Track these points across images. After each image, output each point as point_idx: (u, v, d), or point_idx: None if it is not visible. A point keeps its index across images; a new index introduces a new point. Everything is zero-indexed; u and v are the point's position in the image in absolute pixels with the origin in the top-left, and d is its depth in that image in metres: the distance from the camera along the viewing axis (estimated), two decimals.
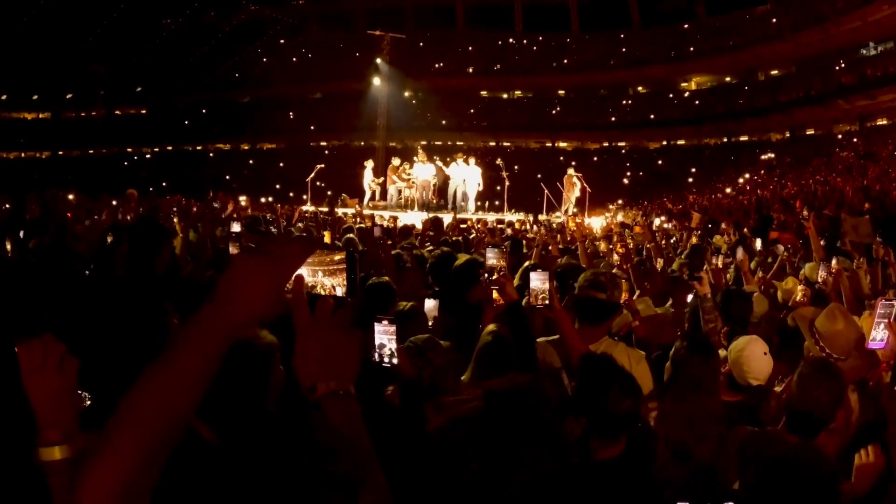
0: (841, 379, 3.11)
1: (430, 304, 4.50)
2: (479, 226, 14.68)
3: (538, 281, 3.50)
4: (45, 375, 1.63)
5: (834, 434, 3.09)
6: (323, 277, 1.39)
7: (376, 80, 40.45)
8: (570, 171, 24.38)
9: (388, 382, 3.14)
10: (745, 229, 15.15)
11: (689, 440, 3.14)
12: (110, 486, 1.15)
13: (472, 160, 23.16)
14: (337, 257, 1.39)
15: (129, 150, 58.94)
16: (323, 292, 1.39)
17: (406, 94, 51.19)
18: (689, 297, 5.29)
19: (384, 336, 3.01)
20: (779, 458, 2.41)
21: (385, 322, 3.02)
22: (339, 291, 1.39)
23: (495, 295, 4.10)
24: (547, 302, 3.49)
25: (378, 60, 40.18)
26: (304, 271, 1.34)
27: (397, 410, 2.87)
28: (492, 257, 3.89)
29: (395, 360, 2.99)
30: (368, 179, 25.13)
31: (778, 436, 3.03)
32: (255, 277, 1.25)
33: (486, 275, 3.94)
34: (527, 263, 6.11)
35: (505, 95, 57.87)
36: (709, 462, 3.11)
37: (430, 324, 4.29)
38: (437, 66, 55.68)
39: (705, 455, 3.12)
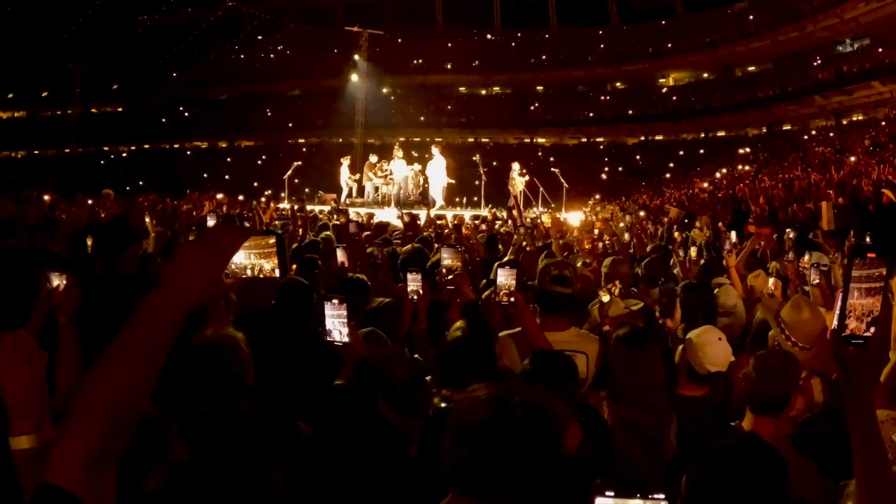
0: (795, 366, 3.14)
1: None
2: (454, 222, 14.64)
3: (504, 277, 3.51)
4: (15, 368, 1.70)
5: (795, 420, 3.13)
6: (258, 260, 1.49)
7: (354, 77, 40.34)
8: (515, 165, 23.88)
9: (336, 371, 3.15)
10: (721, 223, 15.24)
11: (635, 415, 3.24)
12: (75, 458, 1.24)
13: (435, 150, 22.67)
14: (271, 241, 1.49)
15: (106, 148, 58.44)
16: (262, 275, 1.50)
17: (384, 90, 51.13)
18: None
19: (334, 316, 3.00)
20: (722, 451, 2.44)
21: (335, 301, 3.02)
22: (277, 273, 1.50)
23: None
24: (512, 299, 3.50)
25: (356, 57, 40.06)
26: (240, 255, 1.46)
27: (351, 397, 2.87)
28: (447, 258, 3.87)
29: (346, 339, 2.99)
30: (345, 176, 25.01)
31: (731, 428, 3.10)
32: (196, 263, 1.38)
33: (443, 275, 3.93)
34: (507, 258, 6.12)
35: (483, 91, 57.95)
36: (659, 436, 3.20)
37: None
38: (415, 62, 55.70)
39: (654, 428, 3.21)
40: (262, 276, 1.50)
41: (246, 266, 1.50)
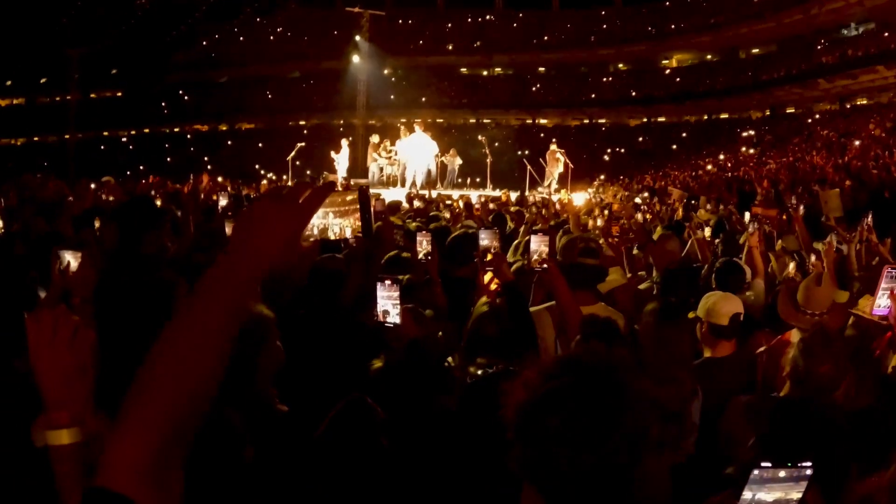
0: (843, 349, 3.14)
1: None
2: (460, 202, 14.66)
3: (537, 243, 3.53)
4: (55, 350, 1.47)
5: None
6: (333, 219, 1.32)
7: (355, 58, 40.07)
8: (553, 146, 24.24)
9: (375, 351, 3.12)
10: (729, 205, 15.21)
11: (655, 389, 3.17)
12: (136, 461, 1.05)
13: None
14: (349, 198, 1.33)
15: (106, 133, 58.23)
16: (333, 235, 1.33)
17: (386, 71, 50.86)
18: None
19: (386, 297, 2.98)
20: (786, 407, 2.45)
21: (388, 282, 2.99)
22: (349, 233, 1.34)
23: (490, 276, 4.11)
24: (545, 265, 3.52)
25: (357, 38, 39.79)
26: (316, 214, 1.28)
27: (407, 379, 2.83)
28: (485, 238, 3.89)
29: (396, 321, 2.96)
30: (344, 156, 24.90)
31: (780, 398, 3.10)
32: (270, 222, 1.19)
33: (480, 257, 3.95)
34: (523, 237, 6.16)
35: (485, 72, 57.71)
36: (677, 409, 3.14)
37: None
38: (416, 43, 55.43)
39: (673, 401, 3.15)
40: (334, 237, 1.37)
41: (320, 226, 1.34)
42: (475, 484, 2.21)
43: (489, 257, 3.70)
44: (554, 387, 1.36)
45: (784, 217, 10.74)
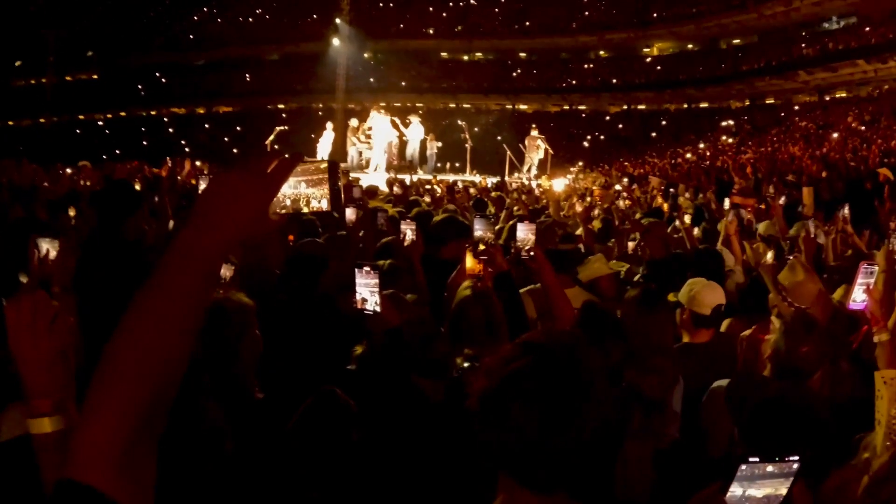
0: (824, 333, 3.18)
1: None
2: (440, 187, 14.68)
3: (523, 232, 3.52)
4: (34, 336, 1.44)
5: None
6: (306, 189, 1.28)
7: (335, 41, 39.76)
8: (534, 132, 24.32)
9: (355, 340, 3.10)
10: (710, 194, 15.28)
11: (637, 378, 3.19)
12: (104, 450, 1.00)
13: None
14: (322, 166, 1.29)
15: (82, 116, 57.46)
16: (306, 208, 1.29)
17: (365, 55, 50.55)
18: None
19: (364, 283, 2.94)
20: (770, 400, 2.47)
21: (366, 269, 2.95)
22: (324, 204, 1.29)
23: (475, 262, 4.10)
24: (532, 254, 3.52)
25: (337, 20, 39.48)
26: (288, 182, 1.21)
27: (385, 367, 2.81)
28: (479, 229, 3.87)
29: (377, 308, 2.92)
30: (327, 140, 24.92)
31: (764, 380, 3.12)
32: (236, 194, 1.12)
33: (474, 246, 3.93)
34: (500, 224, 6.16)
35: (466, 57, 57.60)
36: (658, 397, 3.14)
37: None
38: (397, 26, 55.18)
39: (654, 389, 3.14)
40: (308, 210, 1.28)
41: (292, 196, 1.26)
42: (459, 477, 2.20)
43: (482, 247, 3.68)
44: (512, 370, 1.34)
45: (762, 206, 10.83)
